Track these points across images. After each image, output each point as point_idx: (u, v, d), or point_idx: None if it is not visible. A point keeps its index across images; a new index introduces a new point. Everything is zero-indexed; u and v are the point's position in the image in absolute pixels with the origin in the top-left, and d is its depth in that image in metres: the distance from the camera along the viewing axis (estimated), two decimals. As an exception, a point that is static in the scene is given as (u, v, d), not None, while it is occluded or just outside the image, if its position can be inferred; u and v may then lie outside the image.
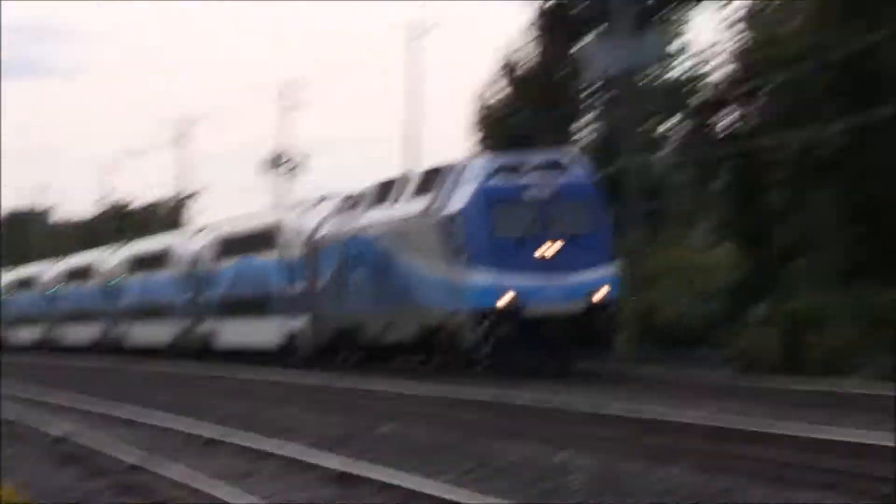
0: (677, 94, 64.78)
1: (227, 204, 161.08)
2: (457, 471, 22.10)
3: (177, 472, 22.41)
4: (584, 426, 28.04)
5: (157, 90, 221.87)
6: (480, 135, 69.45)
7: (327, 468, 22.35)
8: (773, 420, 27.32)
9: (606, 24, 62.12)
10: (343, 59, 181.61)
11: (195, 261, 62.52)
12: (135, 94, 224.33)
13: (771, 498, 18.68)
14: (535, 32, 70.90)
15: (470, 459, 23.63)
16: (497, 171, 39.32)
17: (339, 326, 48.07)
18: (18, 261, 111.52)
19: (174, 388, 48.14)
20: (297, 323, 50.28)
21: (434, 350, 41.39)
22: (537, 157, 41.30)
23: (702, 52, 65.75)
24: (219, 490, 20.02)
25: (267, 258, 53.73)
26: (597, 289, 37.97)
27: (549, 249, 38.48)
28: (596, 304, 37.81)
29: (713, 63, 62.76)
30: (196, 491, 20.50)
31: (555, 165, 40.33)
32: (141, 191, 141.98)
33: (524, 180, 39.15)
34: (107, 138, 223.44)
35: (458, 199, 39.64)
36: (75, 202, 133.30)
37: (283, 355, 51.41)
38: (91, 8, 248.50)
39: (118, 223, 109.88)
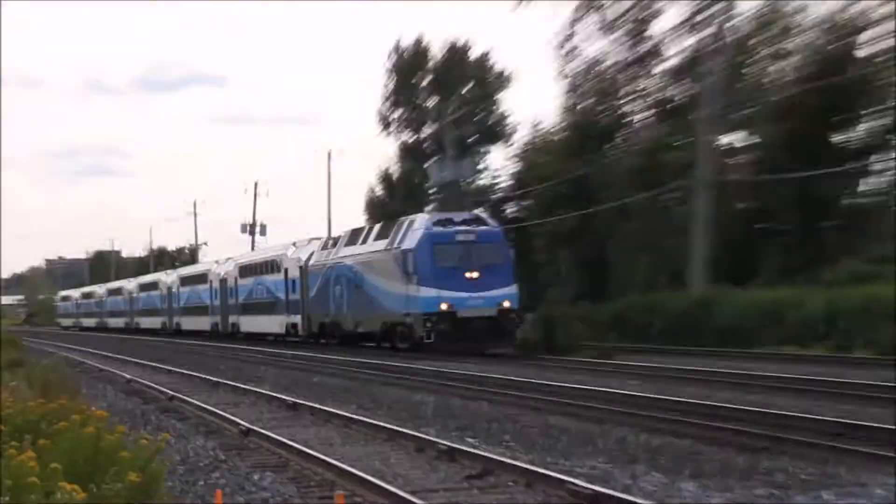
0: (483, 193, 69.89)
1: (220, 251, 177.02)
2: (357, 403, 24.28)
3: (195, 401, 25.20)
4: (433, 380, 30.01)
5: (177, 183, 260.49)
6: (368, 214, 77.06)
7: (283, 400, 24.66)
8: (537, 374, 29.97)
9: (441, 154, 70.80)
10: (287, 170, 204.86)
11: (224, 279, 69.92)
12: (162, 185, 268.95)
13: (536, 421, 20.00)
14: (401, 156, 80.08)
15: (365, 398, 25.86)
16: (436, 223, 42.56)
17: (323, 321, 52.11)
18: (101, 281, 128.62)
19: (195, 355, 51.85)
20: (295, 318, 55.84)
21: (392, 338, 44.55)
22: (462, 215, 44.49)
23: (497, 170, 73.81)
24: (220, 410, 22.69)
25: (273, 278, 59.46)
26: (504, 300, 40.95)
27: (473, 274, 41.08)
28: (503, 310, 40.90)
29: (503, 177, 71.32)
30: (207, 410, 23.12)
31: (475, 219, 43.96)
32: (171, 241, 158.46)
33: (455, 229, 42.12)
34: (148, 210, 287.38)
35: (410, 240, 42.48)
36: (133, 247, 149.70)
37: (285, 337, 57.51)
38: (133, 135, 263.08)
39: (158, 260, 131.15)
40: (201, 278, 77.48)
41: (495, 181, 71.55)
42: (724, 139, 53.05)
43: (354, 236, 50.25)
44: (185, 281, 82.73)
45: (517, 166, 67.62)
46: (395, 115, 79.35)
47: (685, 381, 26.69)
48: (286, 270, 57.25)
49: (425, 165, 75.41)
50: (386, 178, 79.18)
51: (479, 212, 49.99)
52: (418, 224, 43.45)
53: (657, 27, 55.40)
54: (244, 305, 65.24)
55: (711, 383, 25.99)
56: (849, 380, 25.31)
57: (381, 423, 18.97)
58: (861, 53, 49.46)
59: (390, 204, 72.76)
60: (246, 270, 65.53)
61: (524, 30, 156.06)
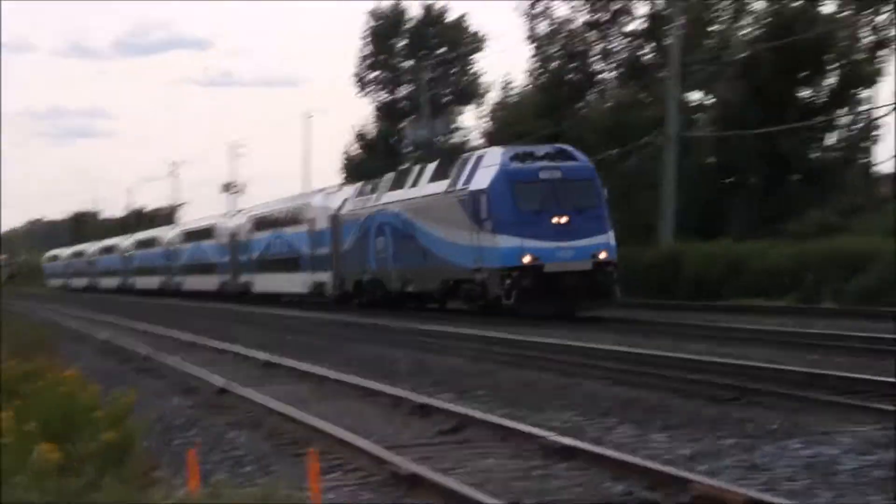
0: (457, 152, 64.30)
1: (201, 211, 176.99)
2: (330, 360, 23.85)
3: (172, 361, 25.03)
4: (404, 336, 29.38)
5: (159, 144, 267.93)
6: (346, 173, 76.05)
7: (257, 359, 24.59)
8: (510, 330, 28.87)
9: (417, 114, 71.31)
10: (267, 131, 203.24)
11: (234, 234, 62.02)
12: (143, 147, 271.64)
13: (512, 375, 20.06)
14: (377, 117, 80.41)
15: (336, 353, 25.90)
16: (512, 158, 34.61)
17: (359, 280, 44.44)
18: (81, 242, 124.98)
19: (176, 314, 50.38)
20: (322, 277, 47.95)
21: (455, 297, 37.79)
22: (544, 148, 36.47)
23: (469, 129, 75.48)
24: (196, 371, 22.28)
25: (295, 230, 51.54)
26: (600, 250, 33.22)
27: (562, 219, 33.31)
28: (599, 263, 33.15)
29: (474, 135, 72.54)
30: (183, 371, 22.79)
31: (559, 153, 35.64)
32: (153, 202, 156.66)
33: (537, 164, 34.37)
34: (128, 169, 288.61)
35: (481, 179, 34.79)
36: (114, 209, 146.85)
37: (309, 298, 49.80)
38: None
39: (137, 220, 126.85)
40: (206, 233, 69.53)
41: (467, 139, 72.30)
42: (692, 96, 53.00)
43: (401, 178, 42.90)
44: (187, 236, 74.89)
45: (489, 125, 67.78)
46: (372, 76, 80.00)
47: (656, 335, 26.32)
48: (311, 221, 49.41)
49: (401, 125, 76.02)
50: (362, 138, 79.36)
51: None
52: (490, 159, 35.55)
53: None
54: (259, 262, 57.37)
55: (681, 336, 25.60)
56: (815, 330, 25.13)
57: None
58: (824, 10, 50.04)
59: (367, 162, 72.42)
60: (261, 223, 57.67)
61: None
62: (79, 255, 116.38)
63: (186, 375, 21.96)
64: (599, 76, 59.17)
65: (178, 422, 16.04)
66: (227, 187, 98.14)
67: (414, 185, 40.40)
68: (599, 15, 57.09)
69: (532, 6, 58.49)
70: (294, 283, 50.95)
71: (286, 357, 24.03)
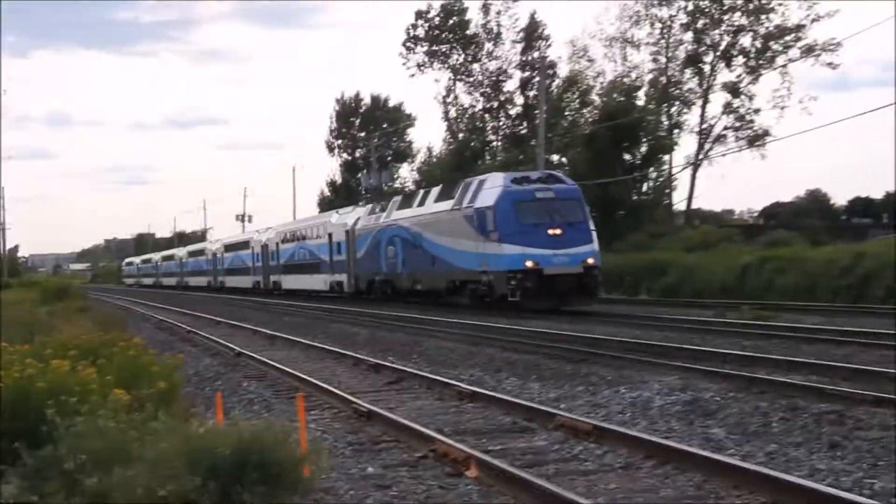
0: (398, 194, 61.99)
1: (222, 233, 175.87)
2: (314, 335, 23.06)
3: (204, 334, 24.67)
4: (366, 319, 28.14)
5: (193, 188, 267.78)
6: (320, 209, 73.99)
7: (265, 333, 23.85)
8: (429, 312, 28.15)
9: (369, 168, 69.96)
10: (266, 179, 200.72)
11: (265, 245, 56.64)
12: (182, 190, 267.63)
13: (439, 346, 21.21)
14: (342, 170, 79.47)
15: (318, 330, 24.82)
16: (513, 181, 29.59)
17: (372, 279, 39.28)
18: (141, 254, 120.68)
19: (207, 304, 47.39)
20: (340, 277, 43.24)
21: (459, 295, 31.89)
22: (537, 174, 31.89)
23: (405, 179, 73.98)
24: (222, 340, 22.14)
25: (317, 241, 46.70)
26: (588, 257, 28.23)
27: (556, 231, 28.38)
28: (588, 267, 28.11)
29: (409, 183, 70.80)
30: (212, 340, 22.74)
31: (550, 177, 30.83)
32: (188, 227, 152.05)
33: (532, 186, 29.36)
34: (172, 205, 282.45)
35: (486, 198, 29.61)
36: (163, 232, 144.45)
37: (328, 293, 44.79)
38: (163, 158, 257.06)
39: (179, 239, 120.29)
40: (244, 245, 63.60)
41: (404, 186, 71.24)
42: (553, 158, 52.69)
43: (407, 201, 37.71)
44: (228, 248, 68.86)
45: (418, 177, 67.56)
46: (338, 142, 79.55)
47: (533, 319, 25.40)
48: (330, 235, 44.60)
49: (358, 176, 75.19)
50: (332, 184, 78.93)
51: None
52: (493, 182, 30.48)
53: (507, 86, 58.14)
54: (285, 266, 52.23)
55: (550, 320, 25.15)
56: (638, 314, 25.24)
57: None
58: (639, 103, 51.39)
59: (335, 202, 71.16)
60: (288, 237, 52.40)
61: (423, 86, 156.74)
62: (147, 261, 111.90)
63: (215, 343, 21.64)
64: (491, 144, 59.51)
65: (209, 375, 15.83)
66: (240, 217, 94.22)
67: (420, 204, 35.24)
68: (491, 103, 58.37)
69: (445, 97, 59.51)
70: (317, 282, 46.78)
71: (281, 332, 23.58)
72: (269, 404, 12.34)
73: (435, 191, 35.00)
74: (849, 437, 8.77)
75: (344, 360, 17.07)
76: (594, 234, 29.21)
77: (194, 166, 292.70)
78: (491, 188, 29.93)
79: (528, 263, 27.97)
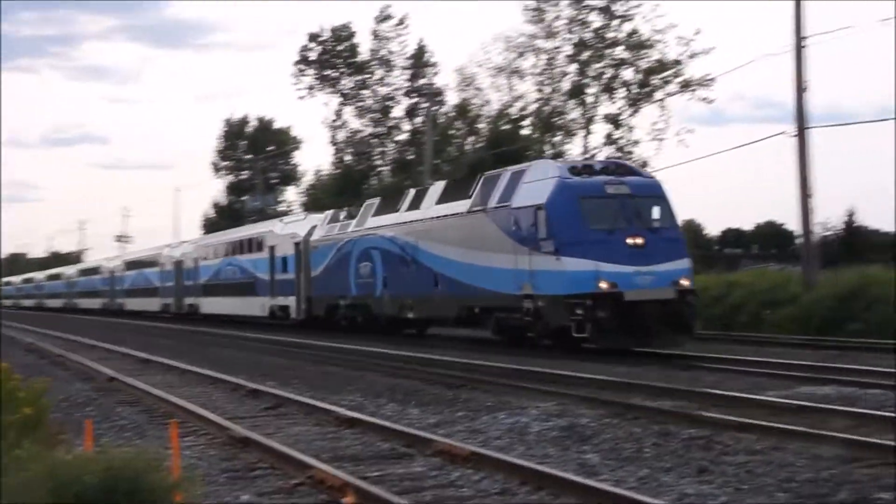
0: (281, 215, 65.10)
1: (99, 254, 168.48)
2: (191, 359, 22.14)
3: (77, 357, 23.45)
4: (255, 343, 27.37)
5: (72, 207, 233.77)
6: (205, 230, 72.38)
7: (137, 357, 23.56)
8: (323, 338, 27.84)
9: (254, 190, 69.68)
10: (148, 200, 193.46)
11: (179, 262, 48.39)
12: (61, 209, 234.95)
13: (315, 370, 20.75)
14: (227, 192, 78.29)
15: (198, 356, 23.79)
16: (571, 171, 21.27)
17: (335, 304, 31.31)
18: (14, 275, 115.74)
19: (91, 327, 43.95)
20: (285, 301, 34.93)
21: (476, 326, 24.42)
22: (601, 162, 23.46)
23: (291, 202, 73.01)
24: (93, 364, 21.17)
25: (253, 256, 38.27)
26: (681, 277, 20.35)
27: (637, 240, 20.25)
28: (683, 290, 20.18)
29: (295, 206, 68.99)
30: (84, 365, 21.72)
31: (619, 167, 22.43)
32: (64, 247, 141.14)
33: (600, 178, 21.17)
34: (48, 225, 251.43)
35: (532, 194, 21.27)
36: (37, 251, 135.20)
37: (267, 320, 36.86)
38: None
39: (56, 260, 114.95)
40: (151, 262, 54.85)
41: (290, 208, 70.43)
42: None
43: (390, 204, 29.24)
44: (130, 265, 60.13)
45: (305, 199, 67.05)
46: (224, 164, 78.46)
47: (415, 347, 24.87)
48: (272, 248, 36.38)
49: (243, 198, 74.33)
50: (217, 206, 77.97)
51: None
52: (540, 172, 21.88)
53: (395, 112, 58.03)
54: (206, 286, 43.77)
55: (429, 346, 24.72)
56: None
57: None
58: (524, 132, 51.69)
59: (220, 223, 70.04)
60: (208, 251, 44.68)
61: (312, 109, 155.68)
62: (28, 280, 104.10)
63: (87, 368, 20.91)
64: (378, 168, 59.41)
65: (79, 400, 15.33)
66: (119, 238, 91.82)
67: (413, 207, 27.23)
68: (379, 128, 58.23)
69: (334, 121, 58.77)
70: (251, 306, 38.05)
71: (158, 356, 22.92)
72: (142, 431, 11.99)
73: (436, 189, 27.03)
74: (716, 462, 8.94)
75: (222, 384, 16.64)
76: (684, 244, 21.52)
77: (74, 185, 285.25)
78: (538, 180, 21.77)
79: (603, 285, 19.93)
